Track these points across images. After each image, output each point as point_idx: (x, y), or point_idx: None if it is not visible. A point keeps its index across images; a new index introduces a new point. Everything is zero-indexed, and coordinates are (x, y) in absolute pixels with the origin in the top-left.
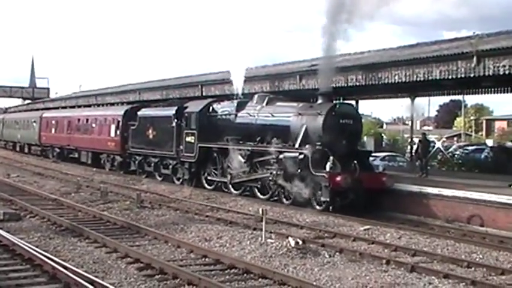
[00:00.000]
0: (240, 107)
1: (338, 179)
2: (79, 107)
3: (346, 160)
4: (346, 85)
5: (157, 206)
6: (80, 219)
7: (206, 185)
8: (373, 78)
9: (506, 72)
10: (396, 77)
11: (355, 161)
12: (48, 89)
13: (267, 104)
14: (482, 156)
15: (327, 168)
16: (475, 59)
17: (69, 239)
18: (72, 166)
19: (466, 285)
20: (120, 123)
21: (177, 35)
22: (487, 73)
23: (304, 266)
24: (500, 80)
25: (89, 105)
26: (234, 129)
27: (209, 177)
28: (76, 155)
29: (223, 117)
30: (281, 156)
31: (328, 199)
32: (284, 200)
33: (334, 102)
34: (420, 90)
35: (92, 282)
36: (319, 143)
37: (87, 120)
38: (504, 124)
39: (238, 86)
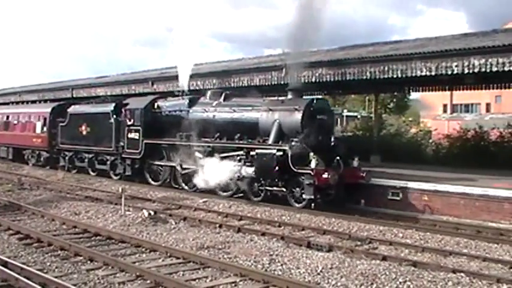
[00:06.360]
0: (192, 103)
1: (325, 176)
2: None
3: (324, 156)
4: (203, 87)
5: (36, 188)
6: None
7: (151, 181)
8: (227, 83)
9: (306, 80)
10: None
11: (338, 157)
12: None
13: (224, 99)
14: None
15: (312, 165)
16: (284, 70)
17: None
18: None
19: (277, 240)
20: (48, 120)
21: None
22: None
23: (156, 232)
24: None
25: (6, 104)
26: (186, 125)
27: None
28: None
29: (173, 113)
30: (253, 153)
31: (312, 196)
32: (252, 197)
33: (310, 97)
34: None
35: None
36: (296, 139)
37: (7, 117)
38: None
39: (184, 82)
